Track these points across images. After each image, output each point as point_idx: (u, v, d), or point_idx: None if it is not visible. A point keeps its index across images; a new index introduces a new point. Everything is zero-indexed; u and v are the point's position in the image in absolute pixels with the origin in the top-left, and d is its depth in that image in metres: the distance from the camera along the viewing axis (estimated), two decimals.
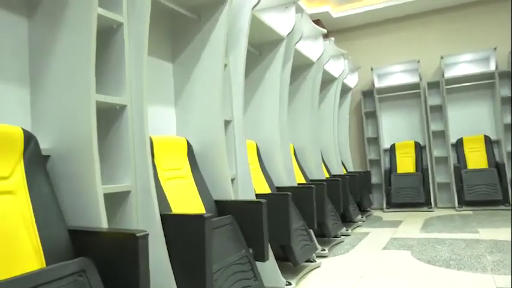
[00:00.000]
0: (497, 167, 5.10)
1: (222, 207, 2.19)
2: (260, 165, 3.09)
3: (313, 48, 3.95)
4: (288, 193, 2.47)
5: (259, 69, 3.26)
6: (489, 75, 5.25)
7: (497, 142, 5.33)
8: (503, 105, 5.29)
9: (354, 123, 6.27)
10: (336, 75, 4.72)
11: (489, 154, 5.27)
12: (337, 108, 4.93)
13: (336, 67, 4.76)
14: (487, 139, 5.33)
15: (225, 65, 2.44)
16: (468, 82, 5.42)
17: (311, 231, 3.04)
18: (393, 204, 5.51)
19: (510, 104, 5.31)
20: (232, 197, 2.25)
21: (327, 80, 4.77)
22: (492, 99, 5.42)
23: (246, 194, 2.46)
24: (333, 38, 4.30)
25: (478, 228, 3.87)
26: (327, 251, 3.21)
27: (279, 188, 3.11)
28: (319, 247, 3.20)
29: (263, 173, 3.08)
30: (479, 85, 5.47)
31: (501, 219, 4.26)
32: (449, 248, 3.18)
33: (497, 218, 4.35)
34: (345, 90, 5.59)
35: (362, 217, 4.85)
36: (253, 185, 2.56)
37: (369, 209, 5.35)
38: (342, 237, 3.78)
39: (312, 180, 3.87)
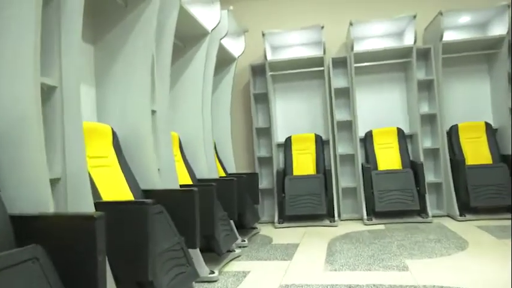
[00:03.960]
0: (413, 167, 4.02)
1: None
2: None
3: None
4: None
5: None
6: (404, 52, 4.17)
7: (411, 137, 4.29)
8: (421, 91, 4.25)
9: (241, 108, 4.77)
10: (208, 28, 3.11)
11: (403, 151, 4.19)
12: (209, 81, 3.34)
13: (208, 16, 3.15)
14: (400, 133, 4.24)
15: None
16: (380, 60, 4.28)
17: None
18: (287, 216, 4.12)
19: (427, 88, 4.30)
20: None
21: (195, 34, 3.14)
22: (406, 84, 4.37)
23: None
24: None
25: (405, 259, 2.61)
26: None
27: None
28: None
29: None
30: (392, 65, 4.38)
31: (426, 239, 3.09)
32: None
33: (419, 237, 3.18)
34: (226, 60, 4.03)
35: (244, 240, 3.34)
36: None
37: (255, 226, 3.87)
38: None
39: (144, 192, 2.20)
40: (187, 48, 3.16)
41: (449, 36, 4.21)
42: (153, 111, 2.38)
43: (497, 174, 3.79)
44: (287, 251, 3.04)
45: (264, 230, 3.96)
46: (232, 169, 3.98)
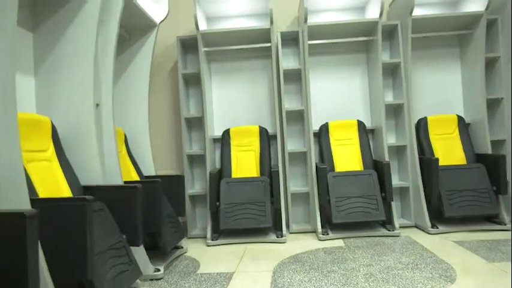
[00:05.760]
0: (377, 168, 3.30)
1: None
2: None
3: None
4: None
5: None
6: (368, 29, 3.44)
7: (373, 131, 3.58)
8: (384, 77, 3.55)
9: (168, 93, 3.81)
10: None
11: (364, 149, 3.47)
12: (110, 48, 2.37)
13: None
14: (361, 126, 3.52)
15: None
16: (339, 38, 3.53)
17: None
18: (224, 231, 3.24)
19: (392, 74, 3.61)
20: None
21: None
22: (368, 67, 3.66)
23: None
24: None
25: None
26: None
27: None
28: None
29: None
30: (352, 44, 3.65)
31: (399, 263, 2.36)
32: None
33: (390, 260, 2.44)
34: (142, 26, 3.07)
35: (158, 269, 2.41)
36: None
37: (179, 245, 2.95)
38: None
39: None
40: None
41: (417, 13, 3.54)
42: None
43: (474, 177, 3.17)
44: (216, 286, 2.16)
45: (193, 248, 3.06)
46: (150, 170, 3.03)
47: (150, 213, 2.32)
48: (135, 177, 2.83)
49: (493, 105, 3.47)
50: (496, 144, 3.43)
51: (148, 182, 2.37)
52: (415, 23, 3.31)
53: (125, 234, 1.99)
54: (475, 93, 3.42)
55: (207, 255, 2.85)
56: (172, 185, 2.92)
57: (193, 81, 3.63)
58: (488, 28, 3.39)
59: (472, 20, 3.36)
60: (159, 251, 2.59)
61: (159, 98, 3.77)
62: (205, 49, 3.46)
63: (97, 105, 2.28)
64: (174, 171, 3.71)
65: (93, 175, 2.13)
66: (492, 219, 3.20)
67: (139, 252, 2.26)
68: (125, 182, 2.42)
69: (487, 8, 3.25)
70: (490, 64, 3.47)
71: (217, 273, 2.40)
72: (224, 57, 3.70)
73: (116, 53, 2.58)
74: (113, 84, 2.60)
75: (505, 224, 3.08)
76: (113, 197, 2.01)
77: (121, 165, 2.63)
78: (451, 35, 3.59)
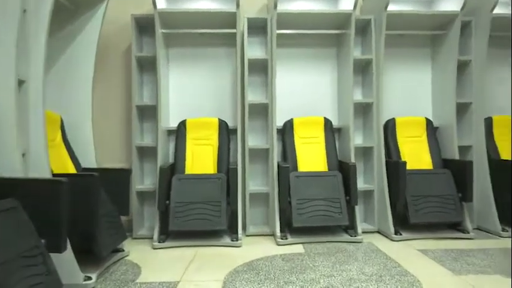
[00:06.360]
0: (342, 170, 3.10)
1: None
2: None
3: None
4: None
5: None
6: (340, 21, 3.23)
7: (340, 130, 3.39)
8: (356, 74, 3.35)
9: (119, 77, 3.44)
10: None
11: (330, 149, 3.26)
12: (44, 22, 2.02)
13: None
14: (327, 124, 3.31)
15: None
16: (309, 29, 3.30)
17: None
18: (173, 232, 2.93)
19: (363, 71, 3.43)
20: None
21: None
22: (337, 63, 3.45)
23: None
24: None
25: None
26: None
27: None
28: None
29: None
30: (322, 37, 3.43)
31: (362, 274, 2.15)
32: None
33: (353, 270, 2.24)
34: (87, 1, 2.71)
35: (88, 277, 2.08)
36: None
37: (120, 248, 2.62)
38: None
39: None
40: None
41: (392, 9, 3.37)
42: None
43: (440, 182, 3.05)
44: None
45: (136, 251, 2.73)
46: (91, 162, 2.67)
47: (82, 212, 1.99)
48: (72, 169, 2.47)
49: (461, 109, 3.36)
50: (463, 149, 3.32)
51: (81, 176, 2.04)
52: (389, 19, 3.14)
53: (45, 238, 1.65)
54: (445, 96, 3.30)
55: (151, 260, 2.54)
56: (116, 179, 2.58)
57: (149, 66, 3.29)
58: (461, 30, 3.26)
59: (447, 20, 3.23)
60: (95, 255, 2.25)
61: (109, 81, 3.39)
62: (163, 31, 3.13)
63: (21, 82, 1.91)
64: (122, 164, 3.35)
65: (9, 166, 1.77)
66: (455, 226, 3.09)
67: (66, 258, 1.91)
68: (56, 175, 2.06)
69: (462, 8, 3.12)
70: (461, 67, 3.35)
71: (159, 283, 2.10)
72: (184, 42, 3.37)
73: (57, 26, 2.25)
74: (50, 61, 2.26)
75: (468, 233, 2.97)
76: (32, 193, 1.65)
77: (54, 155, 2.28)
78: (424, 35, 3.45)
